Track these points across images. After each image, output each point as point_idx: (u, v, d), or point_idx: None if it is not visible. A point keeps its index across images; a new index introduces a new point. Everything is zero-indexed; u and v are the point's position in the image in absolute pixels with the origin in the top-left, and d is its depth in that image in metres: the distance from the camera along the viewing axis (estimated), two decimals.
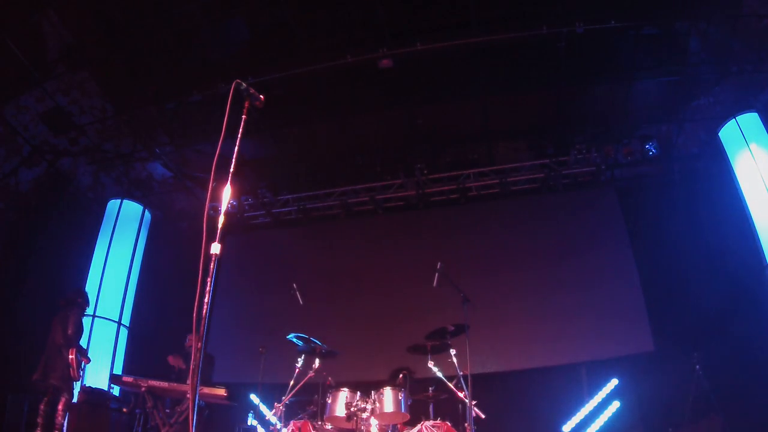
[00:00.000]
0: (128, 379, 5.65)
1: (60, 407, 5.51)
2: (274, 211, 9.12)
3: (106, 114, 7.79)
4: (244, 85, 2.82)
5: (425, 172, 8.46)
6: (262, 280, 8.75)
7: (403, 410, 5.00)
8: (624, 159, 8.21)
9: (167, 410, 5.83)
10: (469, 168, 8.55)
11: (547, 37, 6.44)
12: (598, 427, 6.90)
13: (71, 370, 5.67)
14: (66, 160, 8.02)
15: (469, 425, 4.88)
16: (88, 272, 7.68)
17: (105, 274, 7.69)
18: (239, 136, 2.77)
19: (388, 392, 5.03)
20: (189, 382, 2.29)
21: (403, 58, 6.78)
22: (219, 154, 2.86)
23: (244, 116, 2.86)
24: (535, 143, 8.63)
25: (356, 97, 7.69)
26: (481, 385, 5.45)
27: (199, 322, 2.31)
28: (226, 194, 2.66)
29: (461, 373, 5.17)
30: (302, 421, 5.15)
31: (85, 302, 6.28)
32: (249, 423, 6.75)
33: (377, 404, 4.99)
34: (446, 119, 8.25)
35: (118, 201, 8.28)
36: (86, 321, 7.35)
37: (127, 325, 7.74)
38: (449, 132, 8.53)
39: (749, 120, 6.93)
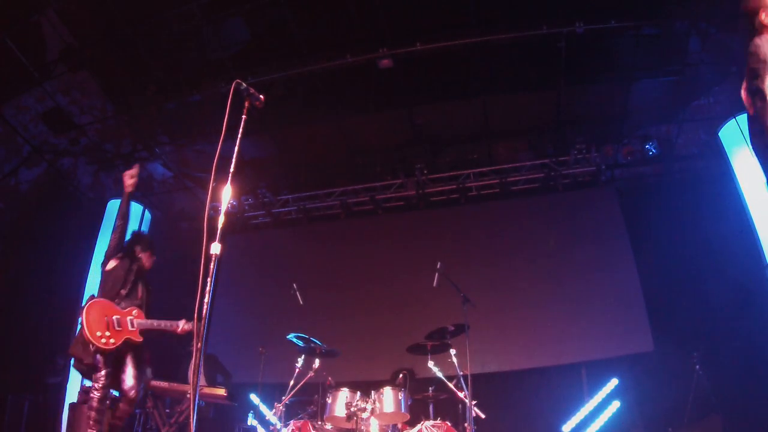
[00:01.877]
0: None
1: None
2: (274, 211, 9.12)
3: (106, 114, 7.79)
4: (244, 85, 2.83)
5: (425, 172, 8.46)
6: (262, 280, 8.74)
7: (403, 410, 5.00)
8: (624, 159, 8.22)
9: (167, 410, 5.85)
10: (469, 168, 8.55)
11: (547, 37, 6.43)
12: (598, 427, 6.90)
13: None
14: (66, 160, 8.02)
15: (469, 425, 4.88)
16: (88, 272, 7.68)
17: None
18: (239, 136, 2.78)
19: (388, 392, 5.03)
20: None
21: (403, 58, 6.78)
22: (219, 154, 2.87)
23: (244, 116, 2.88)
24: (535, 143, 8.63)
25: (356, 97, 7.69)
26: (481, 385, 5.46)
27: (199, 322, 2.31)
28: (226, 194, 2.66)
29: (461, 373, 5.18)
30: (302, 421, 5.15)
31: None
32: (249, 423, 6.75)
33: (377, 404, 4.99)
34: (446, 119, 8.25)
35: (119, 201, 8.26)
36: None
37: None
38: (449, 132, 8.53)
39: None
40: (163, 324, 4.54)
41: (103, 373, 4.18)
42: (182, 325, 4.51)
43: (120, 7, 6.45)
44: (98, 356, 4.20)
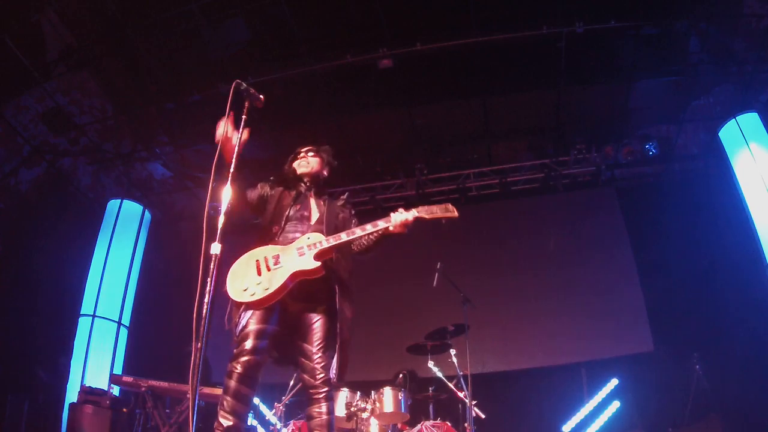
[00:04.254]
0: (128, 379, 5.66)
1: None
2: None
3: (106, 114, 7.78)
4: (244, 85, 2.83)
5: (425, 172, 8.46)
6: None
7: (403, 410, 5.00)
8: (624, 159, 8.22)
9: (167, 410, 5.83)
10: (469, 168, 8.55)
11: (547, 37, 6.43)
12: (598, 427, 6.90)
13: None
14: (66, 160, 8.01)
15: (469, 425, 4.88)
16: (88, 272, 7.67)
17: (105, 274, 7.68)
18: (239, 136, 2.78)
19: (388, 392, 5.03)
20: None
21: (403, 58, 6.78)
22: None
23: (244, 116, 2.89)
24: (535, 143, 8.63)
25: (356, 97, 7.69)
26: (481, 385, 5.45)
27: (199, 322, 2.31)
28: (227, 194, 2.65)
29: (461, 373, 5.18)
30: (302, 421, 5.15)
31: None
32: (249, 423, 6.75)
33: (377, 404, 4.99)
34: (446, 119, 8.24)
35: (118, 201, 8.27)
36: (86, 321, 7.39)
37: (127, 325, 7.74)
38: (449, 132, 8.52)
39: (749, 120, 6.93)
40: (360, 231, 3.03)
41: (241, 340, 2.78)
42: (397, 218, 3.00)
43: (120, 7, 6.44)
44: (241, 314, 2.86)
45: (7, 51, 6.31)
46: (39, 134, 7.45)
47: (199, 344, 2.21)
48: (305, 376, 2.91)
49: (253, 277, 2.89)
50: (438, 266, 5.56)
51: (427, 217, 3.03)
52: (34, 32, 6.49)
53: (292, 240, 3.04)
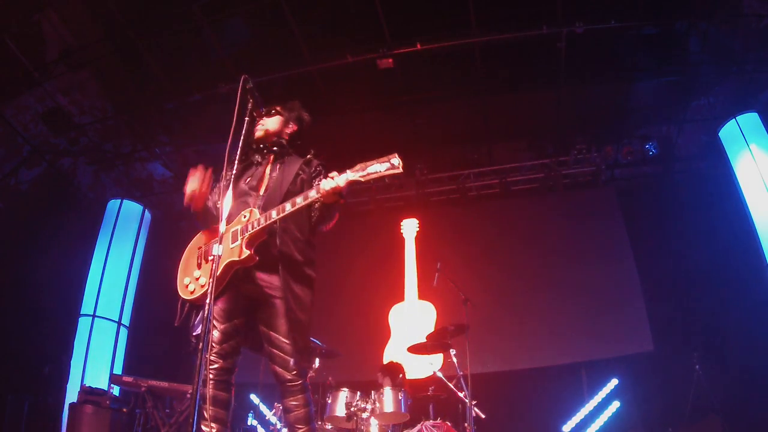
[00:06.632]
0: (128, 379, 5.67)
1: None
2: None
3: (106, 114, 7.78)
4: (251, 84, 2.86)
5: (425, 172, 8.46)
6: None
7: (403, 410, 5.00)
8: (624, 159, 8.22)
9: (167, 410, 5.84)
10: (469, 168, 8.55)
11: (547, 37, 6.44)
12: (598, 427, 6.90)
13: None
14: (66, 160, 8.01)
15: (469, 425, 4.88)
16: (88, 272, 7.68)
17: (105, 274, 7.68)
18: (241, 137, 2.79)
19: (388, 392, 5.03)
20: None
21: (403, 58, 6.78)
22: (228, 152, 2.84)
23: (246, 117, 2.91)
24: (535, 143, 8.63)
25: (356, 97, 7.69)
26: (481, 385, 5.45)
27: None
28: (228, 197, 2.65)
29: (461, 373, 5.17)
30: None
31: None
32: (249, 423, 6.75)
33: (377, 404, 4.99)
34: (446, 119, 8.25)
35: (118, 201, 8.27)
36: (86, 321, 7.39)
37: (127, 325, 7.74)
38: (449, 132, 8.53)
39: (749, 120, 6.94)
40: (290, 206, 2.65)
41: (214, 337, 2.68)
42: (325, 185, 2.63)
43: (120, 7, 6.44)
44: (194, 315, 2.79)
45: (7, 51, 6.31)
46: (39, 134, 7.44)
47: (200, 345, 2.21)
48: (277, 368, 2.73)
49: (193, 270, 2.83)
50: (438, 266, 5.57)
51: (362, 179, 2.62)
52: (34, 32, 6.48)
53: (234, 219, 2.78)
